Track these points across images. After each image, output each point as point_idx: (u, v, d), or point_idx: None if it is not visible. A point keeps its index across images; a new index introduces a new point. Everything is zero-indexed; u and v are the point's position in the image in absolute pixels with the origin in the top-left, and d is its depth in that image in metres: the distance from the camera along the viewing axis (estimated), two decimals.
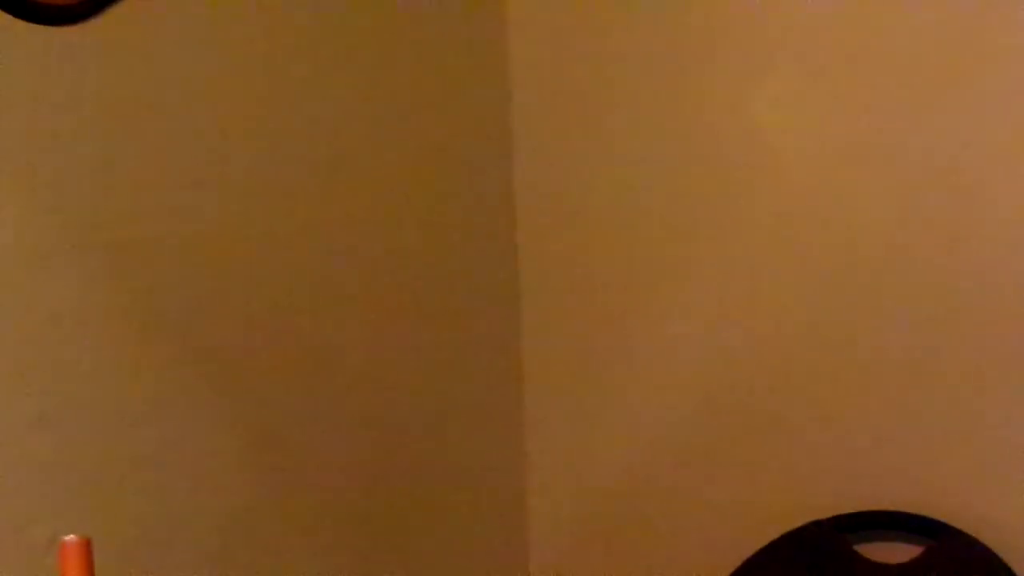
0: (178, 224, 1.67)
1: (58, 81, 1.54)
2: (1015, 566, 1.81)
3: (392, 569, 1.92)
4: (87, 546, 1.28)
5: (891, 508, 1.88)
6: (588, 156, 2.08)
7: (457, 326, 2.04)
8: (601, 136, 2.07)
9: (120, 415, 1.60)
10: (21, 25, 1.50)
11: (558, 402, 2.12)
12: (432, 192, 2.01)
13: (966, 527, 1.83)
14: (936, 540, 1.84)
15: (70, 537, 1.28)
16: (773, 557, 1.91)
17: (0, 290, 1.49)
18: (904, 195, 1.88)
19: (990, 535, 1.82)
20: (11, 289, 1.50)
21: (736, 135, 1.98)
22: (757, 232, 1.98)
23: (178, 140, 1.67)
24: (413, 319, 1.97)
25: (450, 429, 2.03)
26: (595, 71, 2.08)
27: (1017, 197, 1.83)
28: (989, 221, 1.84)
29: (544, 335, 2.12)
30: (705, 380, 2.01)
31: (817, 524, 1.90)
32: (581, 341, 2.11)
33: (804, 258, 1.95)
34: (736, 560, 1.92)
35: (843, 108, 1.92)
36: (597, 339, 2.09)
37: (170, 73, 1.66)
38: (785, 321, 1.96)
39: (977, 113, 1.84)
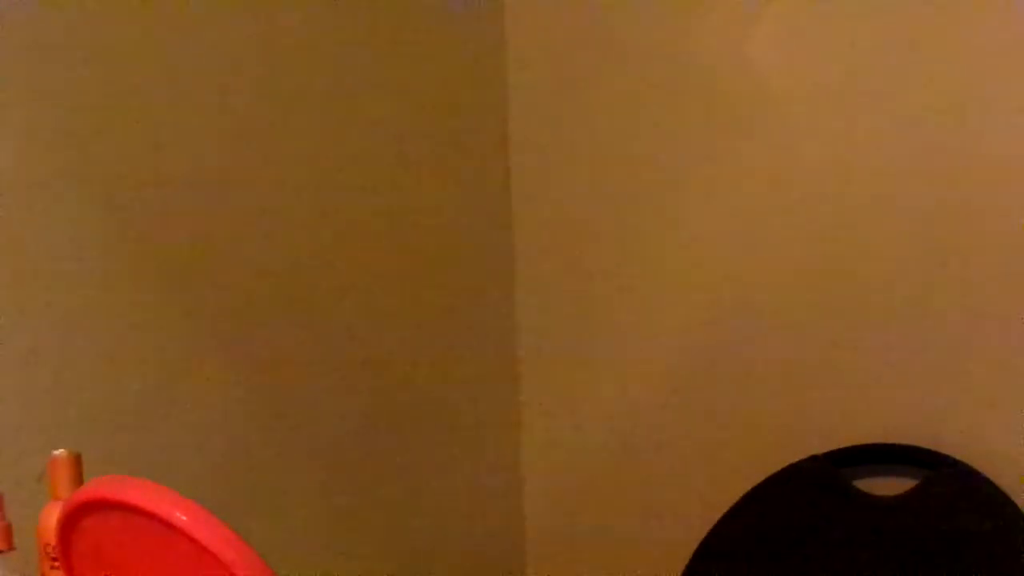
0: (182, 163, 1.68)
1: (61, 11, 1.55)
2: (1013, 495, 1.80)
3: (386, 509, 1.92)
4: (77, 460, 1.29)
5: (887, 441, 1.88)
6: (580, 100, 2.08)
7: (452, 276, 2.05)
8: (592, 83, 2.07)
9: (115, 350, 1.60)
10: None
11: (553, 348, 2.12)
12: (428, 150, 2.01)
13: (963, 457, 1.83)
14: (933, 471, 1.84)
15: (59, 451, 1.29)
16: (770, 492, 1.91)
17: None
18: (903, 133, 1.87)
19: (988, 464, 1.82)
20: (5, 217, 1.50)
21: (734, 75, 1.98)
22: (752, 173, 1.97)
23: (186, 81, 1.68)
24: (411, 266, 1.98)
25: (446, 375, 2.03)
26: (584, 19, 2.08)
27: (1018, 133, 1.82)
28: (989, 158, 1.83)
29: (538, 281, 2.13)
30: (699, 321, 2.01)
31: (814, 459, 1.90)
32: (575, 287, 2.11)
33: (799, 197, 1.94)
34: (734, 497, 1.92)
35: (842, 44, 1.91)
36: (591, 286, 2.10)
37: (178, 13, 1.67)
38: (778, 261, 1.95)
39: (979, 50, 1.83)
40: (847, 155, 1.91)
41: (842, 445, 1.89)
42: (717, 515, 1.93)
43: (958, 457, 1.83)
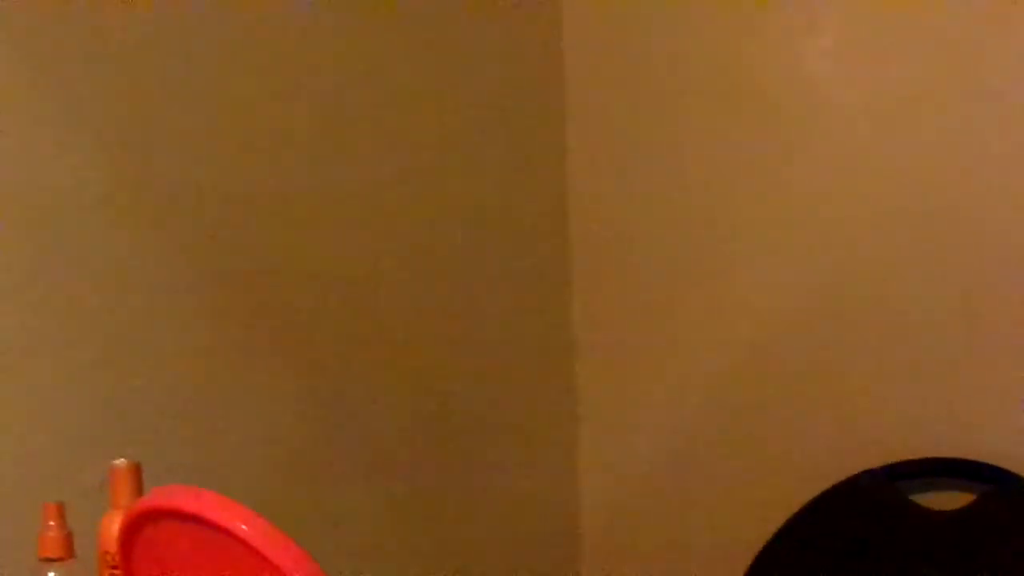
0: (238, 174, 1.70)
1: (121, 33, 1.57)
2: None
3: (443, 520, 1.93)
4: (137, 469, 1.30)
5: (944, 455, 1.86)
6: (637, 113, 2.08)
7: (509, 284, 2.05)
8: (650, 96, 2.07)
9: (177, 360, 1.63)
10: None
11: (609, 363, 2.11)
12: (485, 157, 2.02)
13: (1021, 471, 1.81)
14: (991, 485, 1.82)
15: (120, 461, 1.30)
16: (826, 507, 1.89)
17: (62, 232, 1.52)
18: (962, 144, 1.86)
19: None
20: (72, 232, 1.54)
21: (789, 89, 1.97)
22: (811, 187, 1.96)
23: (241, 95, 1.70)
24: (469, 276, 1.98)
25: (504, 385, 2.03)
26: (642, 34, 2.08)
27: None
28: None
29: (595, 295, 2.11)
30: (756, 334, 2.00)
31: (870, 473, 1.88)
32: (631, 301, 2.10)
33: (856, 210, 1.93)
34: (789, 510, 1.91)
35: (900, 56, 1.90)
36: (647, 299, 2.09)
37: (230, 29, 1.69)
38: (837, 272, 1.94)
39: None
40: (905, 170, 1.90)
41: (898, 459, 1.88)
42: (772, 529, 1.92)
43: (1017, 472, 1.81)
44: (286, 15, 1.75)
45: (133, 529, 1.14)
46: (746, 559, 1.93)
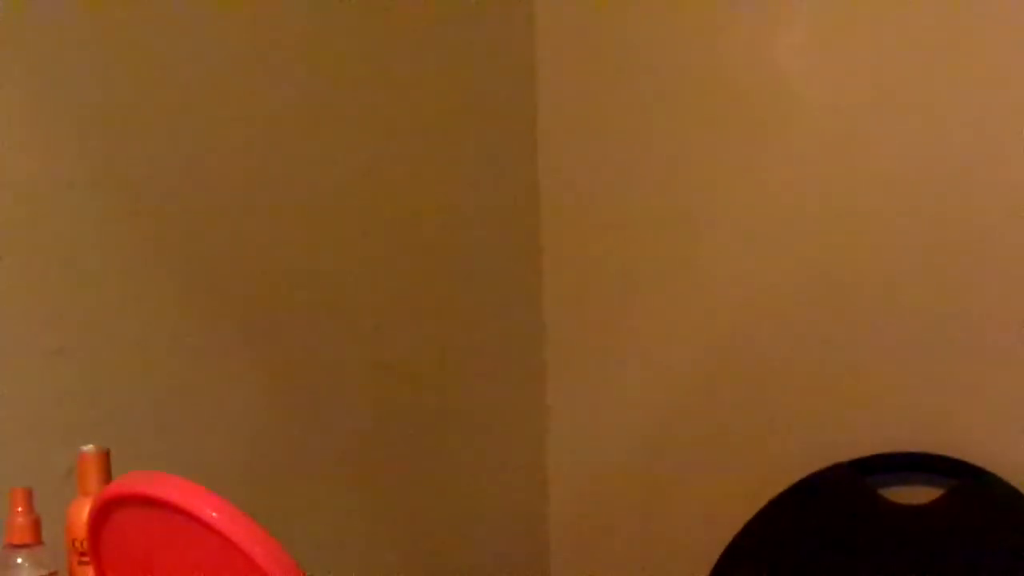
0: (208, 165, 1.69)
1: (92, 17, 1.56)
2: None
3: (411, 510, 1.93)
4: (105, 455, 1.29)
5: (913, 449, 1.87)
6: (608, 107, 2.08)
7: (479, 277, 2.05)
8: (621, 90, 2.07)
9: (140, 349, 1.61)
10: None
11: (580, 357, 2.12)
12: (454, 151, 2.01)
13: (990, 467, 1.82)
14: (959, 480, 1.83)
15: (88, 447, 1.30)
16: (795, 500, 1.90)
17: (24, 218, 1.51)
18: (930, 141, 1.87)
19: (1014, 474, 1.81)
20: (34, 218, 1.52)
21: (758, 84, 1.98)
22: (782, 180, 1.97)
23: (212, 83, 1.69)
24: (438, 268, 1.98)
25: (472, 376, 2.03)
26: (613, 29, 2.08)
27: None
28: (1016, 166, 1.83)
29: (566, 289, 2.12)
30: (725, 328, 2.01)
31: (839, 467, 1.89)
32: (602, 294, 2.11)
33: (825, 204, 1.94)
34: (758, 503, 1.92)
35: (871, 50, 1.91)
36: (618, 289, 2.10)
37: (205, 18, 1.68)
38: (806, 265, 1.95)
39: (1009, 57, 1.83)
40: (872, 164, 1.91)
41: (868, 453, 1.89)
42: (741, 522, 1.92)
43: (984, 466, 1.82)
44: (261, 7, 1.74)
45: (101, 515, 1.14)
46: (714, 552, 1.94)
